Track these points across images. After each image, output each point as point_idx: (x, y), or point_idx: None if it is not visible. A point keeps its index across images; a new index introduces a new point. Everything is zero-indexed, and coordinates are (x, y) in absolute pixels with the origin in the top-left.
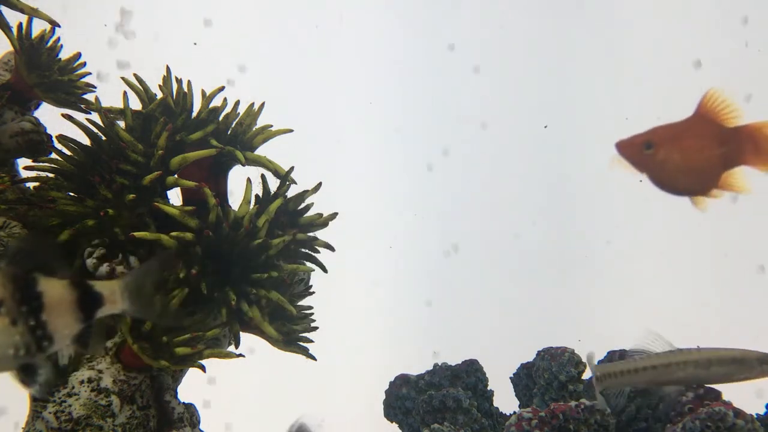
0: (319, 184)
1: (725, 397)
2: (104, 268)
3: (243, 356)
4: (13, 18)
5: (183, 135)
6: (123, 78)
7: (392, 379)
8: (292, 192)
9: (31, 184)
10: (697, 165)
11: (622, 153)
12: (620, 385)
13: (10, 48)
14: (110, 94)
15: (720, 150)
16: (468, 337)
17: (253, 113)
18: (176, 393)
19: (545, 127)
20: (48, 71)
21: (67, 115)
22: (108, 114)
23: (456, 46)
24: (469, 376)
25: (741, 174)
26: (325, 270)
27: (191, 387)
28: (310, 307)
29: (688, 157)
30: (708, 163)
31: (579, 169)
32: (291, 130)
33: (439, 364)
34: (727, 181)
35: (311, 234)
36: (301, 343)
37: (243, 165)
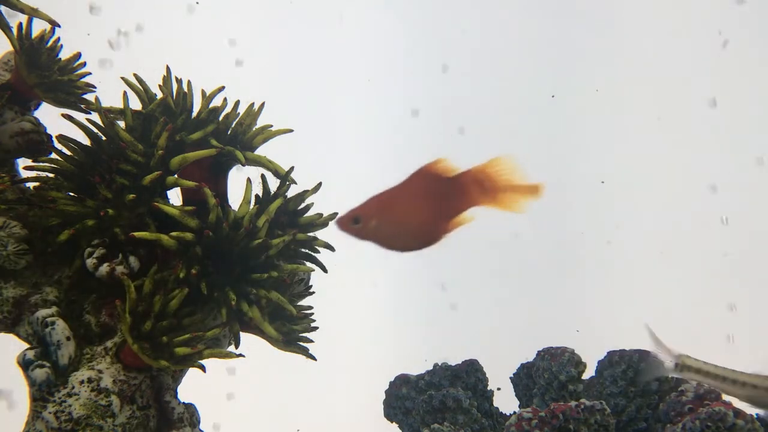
0: (319, 184)
1: (725, 397)
2: (104, 268)
3: (243, 356)
4: (13, 18)
5: (183, 135)
6: (123, 78)
7: (392, 379)
8: (292, 192)
9: (31, 184)
10: (412, 227)
11: (340, 229)
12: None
13: (10, 48)
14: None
15: (440, 203)
16: (468, 337)
17: (253, 113)
18: (176, 393)
19: (552, 96)
20: (48, 71)
21: (67, 115)
22: (108, 114)
23: (456, 45)
24: (469, 376)
25: (471, 213)
26: (325, 270)
27: (191, 387)
28: (310, 307)
29: (399, 223)
30: (426, 220)
31: (579, 169)
32: (291, 130)
33: (439, 364)
34: (459, 222)
35: (311, 234)
36: (301, 343)
37: (243, 165)
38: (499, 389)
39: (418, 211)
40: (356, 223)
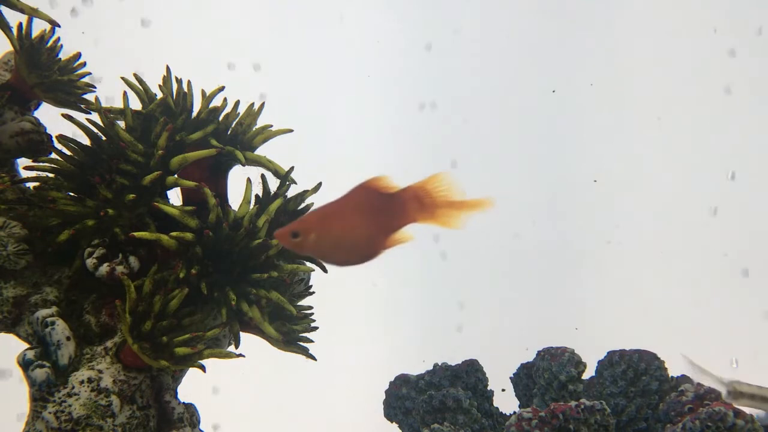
0: (319, 184)
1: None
2: (104, 268)
3: (243, 356)
4: (13, 18)
5: (183, 135)
6: (123, 78)
7: (392, 379)
8: (292, 192)
9: (31, 184)
10: (351, 242)
11: (281, 242)
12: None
13: (10, 48)
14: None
15: (380, 219)
16: (468, 337)
17: (253, 113)
18: (176, 393)
19: (553, 91)
20: (48, 71)
21: (67, 115)
22: (108, 114)
23: (456, 46)
24: (469, 376)
25: (410, 228)
26: (325, 270)
27: (191, 386)
28: (310, 307)
29: (338, 237)
30: (365, 235)
31: (579, 169)
32: (291, 130)
33: (439, 364)
34: (398, 238)
35: None
36: (301, 343)
37: (243, 165)
38: (503, 390)
39: (357, 226)
40: (295, 237)
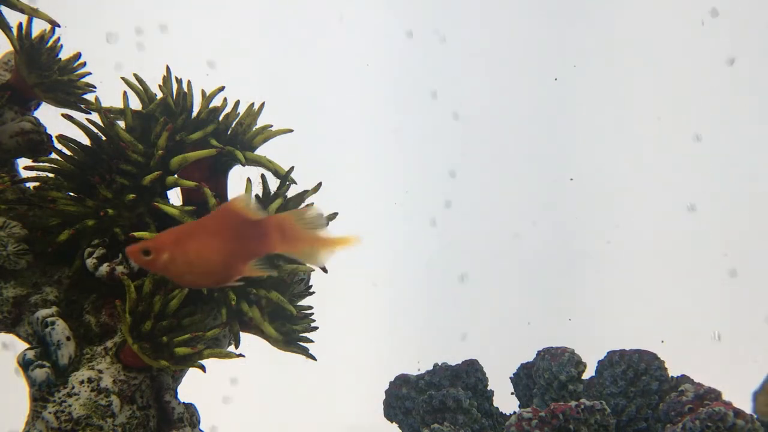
0: (319, 184)
1: (725, 397)
2: (104, 268)
3: (243, 356)
4: (13, 18)
5: (183, 135)
6: (123, 78)
7: (392, 379)
8: (292, 192)
9: (31, 184)
10: (205, 265)
11: (130, 258)
12: None
13: (10, 48)
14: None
15: (239, 244)
16: (468, 336)
17: (253, 113)
18: (176, 393)
19: (555, 79)
20: (48, 71)
21: (67, 115)
22: (108, 114)
23: (456, 45)
24: (469, 376)
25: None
26: (325, 270)
27: (191, 386)
28: (310, 307)
29: (194, 259)
30: (221, 260)
31: (579, 170)
32: (291, 130)
33: (439, 364)
34: (256, 269)
35: None
36: (301, 343)
37: (243, 165)
38: (512, 393)
39: (214, 249)
40: (147, 255)
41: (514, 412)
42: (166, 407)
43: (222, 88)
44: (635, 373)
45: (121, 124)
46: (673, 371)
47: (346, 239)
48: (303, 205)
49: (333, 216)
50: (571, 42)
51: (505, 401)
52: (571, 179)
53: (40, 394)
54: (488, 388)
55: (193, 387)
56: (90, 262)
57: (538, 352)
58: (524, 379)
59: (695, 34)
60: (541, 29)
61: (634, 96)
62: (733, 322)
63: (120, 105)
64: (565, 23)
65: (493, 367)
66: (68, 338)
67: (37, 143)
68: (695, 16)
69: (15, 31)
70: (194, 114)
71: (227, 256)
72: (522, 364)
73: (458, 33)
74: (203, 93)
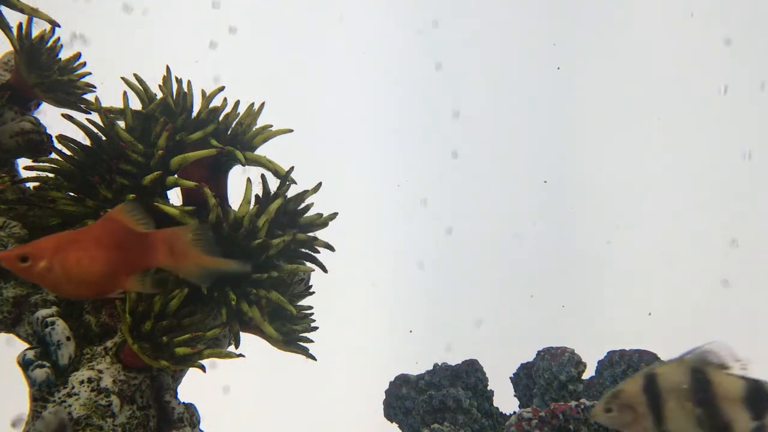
0: (319, 184)
1: None
2: None
3: (243, 356)
4: (13, 18)
5: (183, 135)
6: (123, 78)
7: (392, 379)
8: (292, 192)
9: (31, 184)
10: (86, 275)
11: (4, 265)
12: None
13: (10, 48)
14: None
15: (123, 255)
16: (468, 336)
17: (253, 113)
18: (176, 393)
19: (558, 68)
20: (48, 71)
21: (67, 115)
22: (108, 114)
23: (456, 45)
24: (469, 376)
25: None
26: (325, 270)
27: (191, 386)
28: (310, 307)
29: (74, 268)
30: (102, 271)
31: (579, 170)
32: (291, 130)
33: (439, 363)
34: (138, 283)
35: (311, 234)
36: (301, 343)
37: (243, 165)
38: (515, 396)
39: (96, 260)
40: (23, 261)
41: (514, 412)
42: (166, 407)
43: (222, 88)
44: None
45: (121, 124)
46: None
47: (230, 263)
48: (303, 205)
49: (333, 216)
50: (572, 42)
51: (505, 401)
52: (545, 182)
53: (40, 394)
54: (488, 388)
55: (193, 387)
56: None
57: (538, 352)
58: (524, 379)
59: (695, 32)
60: (542, 29)
61: (634, 96)
62: (732, 321)
63: (120, 105)
64: (565, 23)
65: (493, 367)
66: (68, 338)
67: (37, 143)
68: (694, 12)
69: (15, 31)
70: (194, 114)
71: (109, 267)
72: (522, 364)
73: (458, 33)
74: (203, 93)
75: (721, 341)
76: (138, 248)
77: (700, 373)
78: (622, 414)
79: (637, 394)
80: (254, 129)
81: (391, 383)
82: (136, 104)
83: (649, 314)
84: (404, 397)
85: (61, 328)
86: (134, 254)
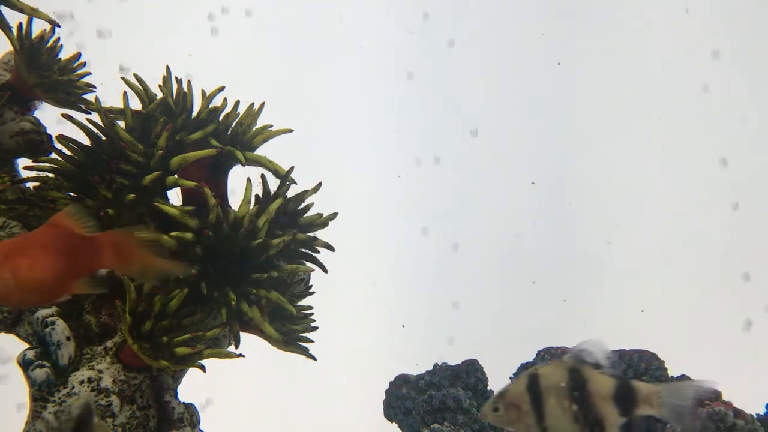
0: (319, 184)
1: (725, 397)
2: None
3: (243, 356)
4: (13, 18)
5: (183, 135)
6: (123, 78)
7: (392, 379)
8: (292, 192)
9: (31, 184)
10: (33, 282)
11: None
12: None
13: (10, 48)
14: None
15: (70, 260)
16: (468, 336)
17: (253, 113)
18: (176, 393)
19: (558, 63)
20: (48, 71)
21: (67, 115)
22: (108, 114)
23: (455, 45)
24: (469, 376)
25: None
26: (325, 270)
27: (191, 386)
28: (310, 307)
29: (21, 275)
30: (50, 276)
31: (579, 170)
32: (291, 130)
33: (439, 363)
34: (88, 285)
35: (311, 234)
36: (301, 343)
37: (243, 165)
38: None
39: (45, 266)
40: None
41: None
42: (166, 407)
43: (222, 88)
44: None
45: (121, 124)
46: (673, 371)
47: (178, 265)
48: (303, 205)
49: (333, 216)
50: (572, 41)
51: None
52: (533, 183)
53: (40, 394)
54: (488, 388)
55: (192, 387)
56: None
57: (538, 352)
58: None
59: (693, 29)
60: (542, 29)
61: (634, 96)
62: (733, 322)
63: (120, 105)
64: (565, 23)
65: (493, 367)
66: (68, 338)
67: (37, 143)
68: (691, 9)
69: (15, 31)
70: (194, 114)
71: (59, 273)
72: (522, 364)
73: (458, 33)
74: (203, 93)
75: (594, 339)
76: (85, 252)
77: (577, 372)
78: (508, 413)
79: (521, 394)
80: (254, 129)
81: (391, 383)
82: (136, 104)
83: (642, 311)
84: (404, 397)
85: (61, 328)
86: (82, 258)
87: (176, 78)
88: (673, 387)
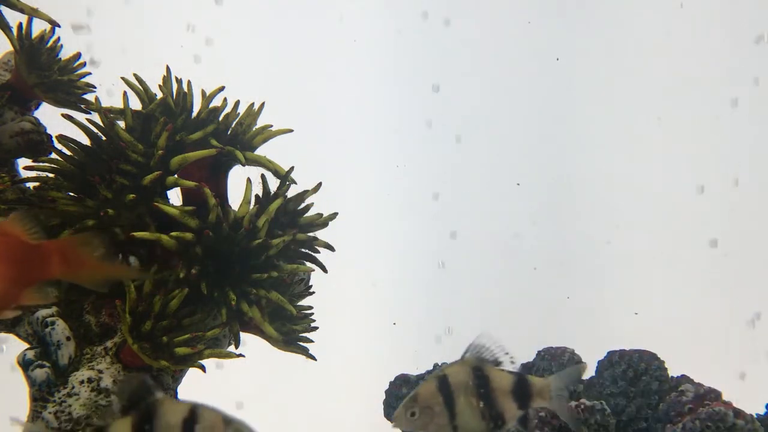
0: (319, 184)
1: (725, 397)
2: None
3: (243, 356)
4: (13, 18)
5: (183, 135)
6: (123, 78)
7: (392, 379)
8: (292, 192)
9: (31, 184)
10: None
11: None
12: None
13: (10, 48)
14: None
15: (15, 269)
16: (468, 336)
17: (253, 113)
18: (176, 393)
19: (557, 59)
20: (48, 71)
21: (67, 115)
22: (108, 114)
23: (456, 45)
24: None
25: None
26: (325, 270)
27: (191, 386)
28: (310, 307)
29: None
30: (2, 288)
31: (579, 169)
32: (291, 130)
33: (440, 363)
34: (34, 296)
35: (311, 234)
36: (301, 343)
37: (243, 165)
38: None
39: None
40: None
41: None
42: None
43: (222, 88)
44: (635, 373)
45: (121, 124)
46: (673, 371)
47: (128, 270)
48: (303, 205)
49: (333, 216)
50: (572, 41)
51: None
52: (518, 184)
53: (40, 394)
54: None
55: (192, 387)
56: None
57: (538, 352)
58: None
59: (696, 28)
60: (542, 29)
61: (634, 95)
62: (733, 322)
63: (120, 105)
64: (565, 23)
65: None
66: (68, 338)
67: (37, 143)
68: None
69: (15, 31)
70: (194, 114)
71: (7, 283)
72: (522, 364)
73: (457, 32)
74: (203, 93)
75: (486, 334)
76: (32, 260)
77: (480, 370)
78: (423, 415)
79: (434, 394)
80: (254, 129)
81: (391, 383)
82: (136, 104)
83: (636, 314)
84: (404, 397)
85: (61, 328)
86: (29, 267)
87: (176, 78)
88: (558, 378)
